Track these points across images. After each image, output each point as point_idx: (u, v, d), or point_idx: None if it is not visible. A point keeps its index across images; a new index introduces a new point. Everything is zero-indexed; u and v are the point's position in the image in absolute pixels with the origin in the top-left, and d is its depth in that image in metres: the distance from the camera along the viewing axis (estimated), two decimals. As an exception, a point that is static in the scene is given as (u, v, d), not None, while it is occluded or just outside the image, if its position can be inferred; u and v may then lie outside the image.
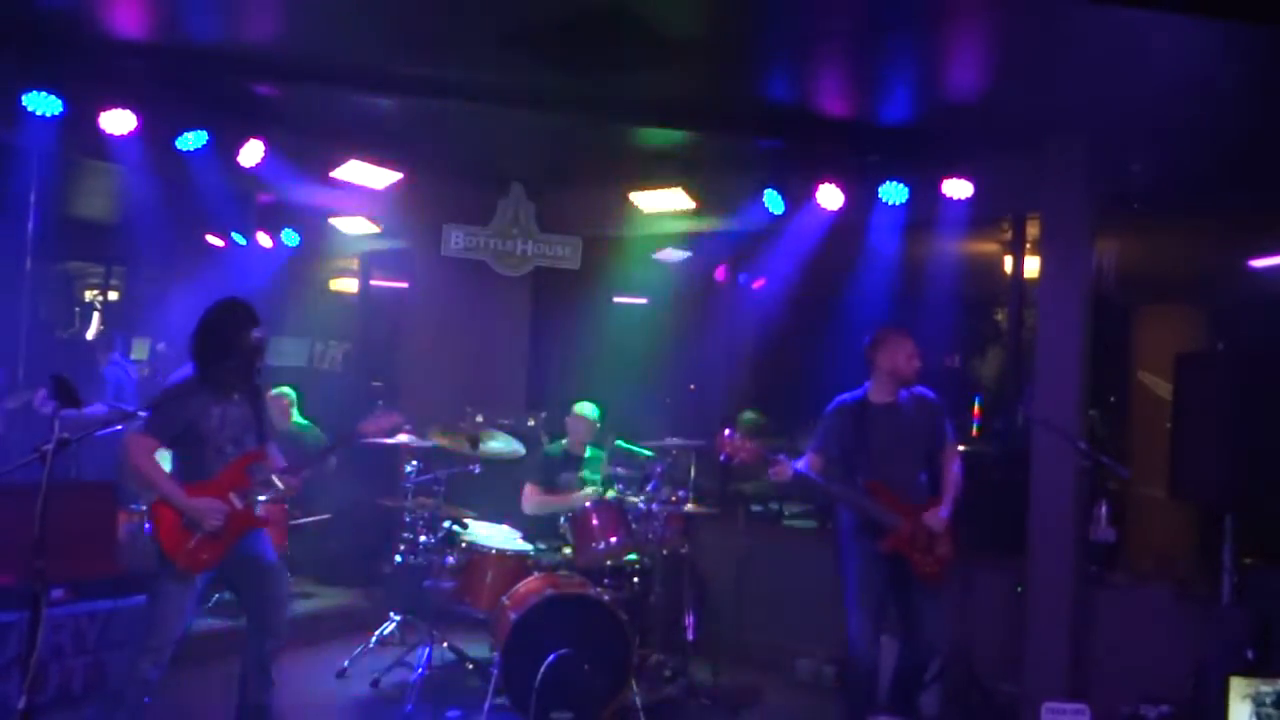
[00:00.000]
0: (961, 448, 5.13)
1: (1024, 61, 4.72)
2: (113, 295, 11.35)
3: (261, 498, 4.27)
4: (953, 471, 4.78)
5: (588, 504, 5.42)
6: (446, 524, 5.61)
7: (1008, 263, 6.62)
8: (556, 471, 5.94)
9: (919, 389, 4.85)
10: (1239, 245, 6.86)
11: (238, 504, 4.09)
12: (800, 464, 4.65)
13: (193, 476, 4.08)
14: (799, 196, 6.16)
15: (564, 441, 6.08)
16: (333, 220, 8.03)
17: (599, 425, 6.05)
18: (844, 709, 4.97)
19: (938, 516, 4.64)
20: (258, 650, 4.22)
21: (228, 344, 4.08)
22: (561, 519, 5.52)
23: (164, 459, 4.17)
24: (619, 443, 6.01)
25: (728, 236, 7.14)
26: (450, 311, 7.83)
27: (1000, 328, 7.24)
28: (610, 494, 5.74)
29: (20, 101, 5.02)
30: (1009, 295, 6.44)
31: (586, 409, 6.05)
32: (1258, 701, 3.71)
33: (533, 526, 5.84)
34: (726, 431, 4.62)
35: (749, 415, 7.20)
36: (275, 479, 4.25)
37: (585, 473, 5.95)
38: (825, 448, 4.81)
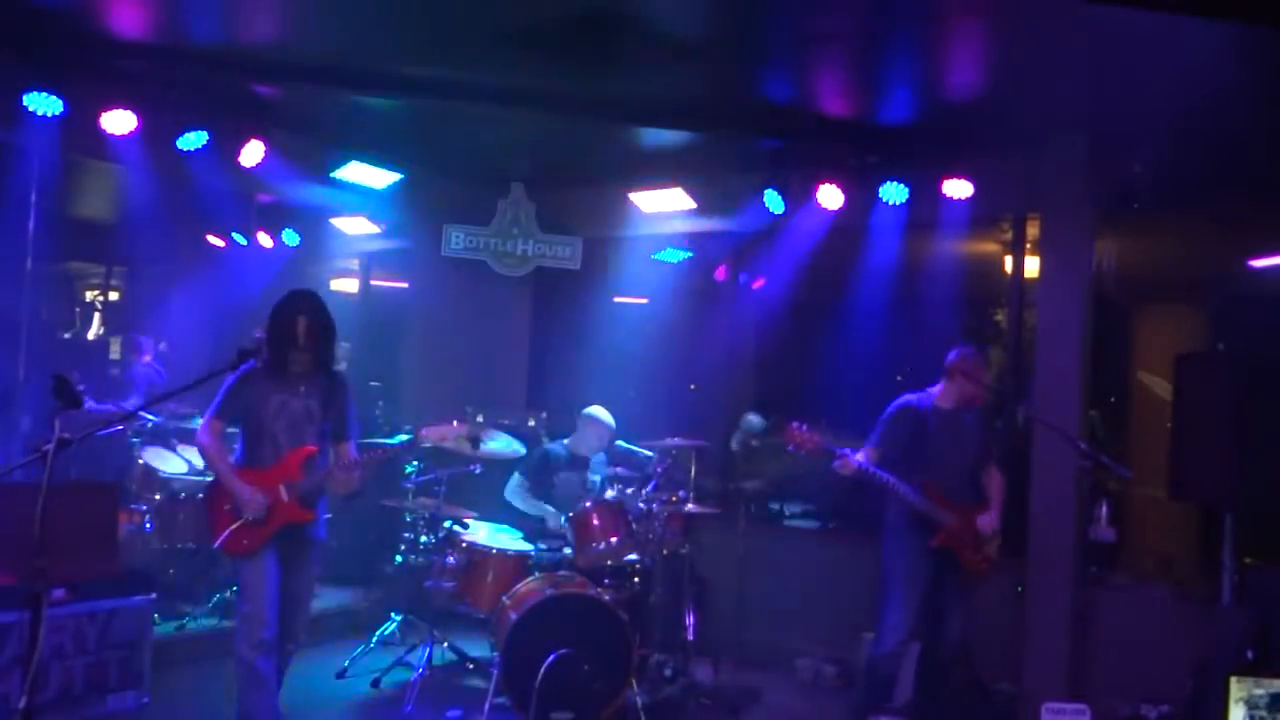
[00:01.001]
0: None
1: (1024, 61, 4.72)
2: (113, 295, 11.35)
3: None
4: (996, 481, 5.02)
5: (588, 504, 5.42)
6: (447, 524, 5.61)
7: (1008, 263, 6.62)
8: (556, 471, 5.92)
9: (977, 406, 5.04)
10: (1239, 245, 6.86)
11: (284, 496, 4.15)
12: (860, 457, 4.74)
13: (251, 463, 4.24)
14: (799, 196, 6.16)
15: (567, 442, 6.06)
16: (333, 220, 8.02)
17: (613, 434, 6.01)
18: (853, 705, 4.98)
19: (987, 521, 4.84)
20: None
21: (271, 335, 4.18)
22: (562, 519, 5.51)
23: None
24: (619, 443, 6.00)
25: (728, 236, 7.13)
26: (450, 311, 7.83)
27: (1000, 328, 7.24)
28: (610, 493, 5.73)
29: (20, 101, 5.01)
30: (1009, 295, 6.44)
31: (604, 414, 5.97)
32: (1251, 704, 3.71)
33: (532, 526, 5.83)
34: (795, 423, 4.68)
35: (751, 418, 7.19)
36: (334, 471, 4.24)
37: (590, 474, 5.93)
38: (883, 446, 4.88)
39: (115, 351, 10.11)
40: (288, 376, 4.21)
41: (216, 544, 4.16)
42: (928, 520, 4.74)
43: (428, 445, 4.59)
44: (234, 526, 4.12)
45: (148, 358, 7.73)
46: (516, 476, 5.91)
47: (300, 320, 4.15)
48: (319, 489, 4.30)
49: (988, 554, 4.86)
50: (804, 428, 4.68)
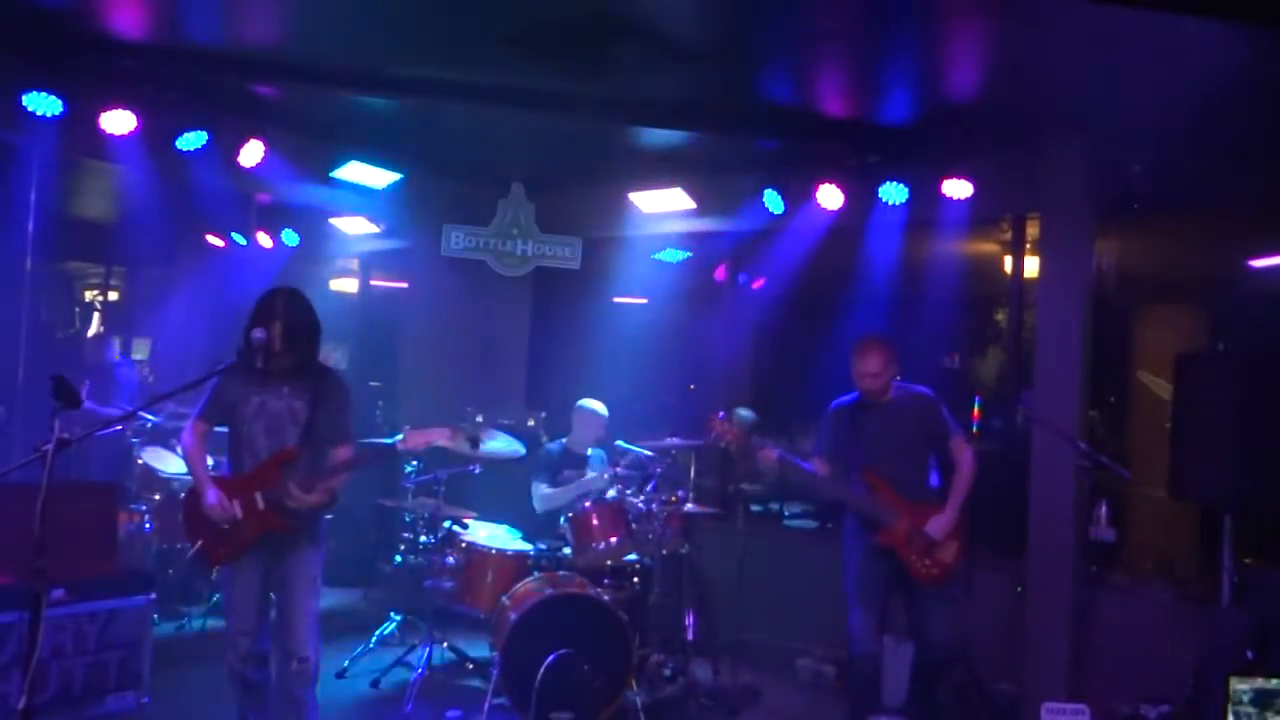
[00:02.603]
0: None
1: (1024, 61, 4.72)
2: (113, 295, 11.36)
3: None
4: (963, 470, 4.68)
5: (588, 504, 5.42)
6: (446, 524, 5.61)
7: (1008, 263, 6.63)
8: (559, 470, 5.93)
9: (915, 387, 4.84)
10: (1239, 245, 6.86)
11: (260, 504, 3.91)
12: (808, 466, 4.68)
13: (233, 467, 4.03)
14: (799, 196, 6.15)
15: (564, 440, 6.07)
16: (333, 220, 8.03)
17: (607, 423, 6.00)
18: (847, 708, 4.97)
19: (938, 524, 4.55)
20: (279, 669, 4.02)
21: (244, 338, 3.88)
22: (562, 519, 5.52)
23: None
24: (619, 443, 6.01)
25: (728, 236, 7.14)
26: (450, 311, 7.83)
27: (1000, 328, 7.25)
28: (610, 493, 5.73)
29: (20, 101, 5.01)
30: (1009, 295, 6.45)
31: (597, 406, 5.98)
32: (1234, 700, 3.70)
33: (533, 526, 5.84)
34: (720, 414, 4.63)
35: (744, 411, 7.19)
36: (292, 493, 3.90)
37: (589, 472, 5.93)
38: (823, 448, 4.84)
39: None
40: (271, 375, 3.93)
41: (192, 553, 3.98)
42: (874, 518, 4.60)
43: (409, 449, 4.25)
44: (208, 535, 3.91)
45: (117, 355, 7.73)
46: (538, 486, 5.85)
47: (275, 325, 3.85)
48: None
49: (940, 559, 4.55)
50: (727, 418, 4.58)
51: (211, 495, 3.89)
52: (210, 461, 4.16)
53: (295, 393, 3.99)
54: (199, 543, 3.99)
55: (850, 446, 4.74)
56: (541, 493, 5.82)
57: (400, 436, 4.27)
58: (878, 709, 4.82)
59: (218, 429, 4.13)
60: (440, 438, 4.25)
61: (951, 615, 4.74)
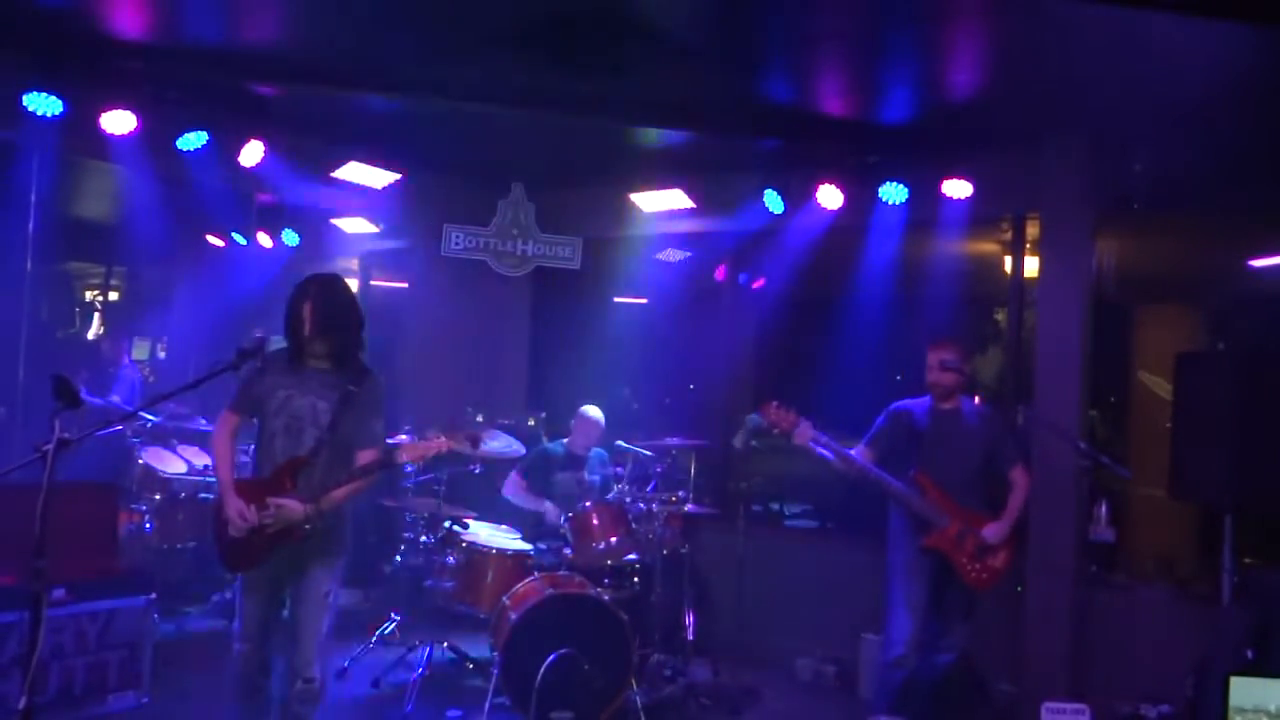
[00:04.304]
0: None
1: (1024, 61, 4.72)
2: (113, 295, 11.36)
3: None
4: (1021, 488, 4.80)
5: (588, 503, 5.42)
6: (447, 524, 5.61)
7: (1008, 263, 6.63)
8: (554, 470, 5.93)
9: (984, 407, 4.96)
10: (1239, 245, 6.87)
11: (274, 511, 3.70)
12: (853, 451, 4.69)
13: (256, 467, 3.84)
14: (799, 196, 6.15)
15: (565, 441, 6.07)
16: (333, 220, 8.03)
17: (604, 429, 6.03)
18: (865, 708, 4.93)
19: (994, 530, 4.64)
20: (285, 685, 3.88)
21: (285, 327, 3.75)
22: (562, 519, 5.52)
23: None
24: (619, 443, 6.01)
25: (728, 236, 7.13)
26: (450, 311, 7.83)
27: (1000, 328, 7.24)
28: (607, 493, 5.74)
29: (20, 101, 5.01)
30: (1009, 295, 6.44)
31: (595, 412, 6.01)
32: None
33: (532, 526, 5.84)
34: (774, 404, 4.64)
35: (755, 417, 7.20)
36: (281, 506, 3.68)
37: (587, 473, 5.94)
38: (876, 442, 4.83)
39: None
40: (302, 369, 3.76)
41: (219, 555, 3.84)
42: (925, 522, 4.65)
43: (405, 461, 4.10)
44: (227, 539, 3.73)
45: (126, 359, 7.75)
46: (514, 475, 5.93)
47: (305, 306, 3.70)
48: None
49: (990, 565, 4.63)
50: (779, 405, 4.61)
51: (232, 505, 3.68)
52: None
53: (324, 391, 3.77)
54: (220, 546, 3.82)
55: (907, 448, 4.75)
56: (513, 481, 5.89)
57: (402, 438, 4.25)
58: (884, 709, 4.80)
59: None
60: (437, 449, 4.06)
61: (969, 635, 4.80)
